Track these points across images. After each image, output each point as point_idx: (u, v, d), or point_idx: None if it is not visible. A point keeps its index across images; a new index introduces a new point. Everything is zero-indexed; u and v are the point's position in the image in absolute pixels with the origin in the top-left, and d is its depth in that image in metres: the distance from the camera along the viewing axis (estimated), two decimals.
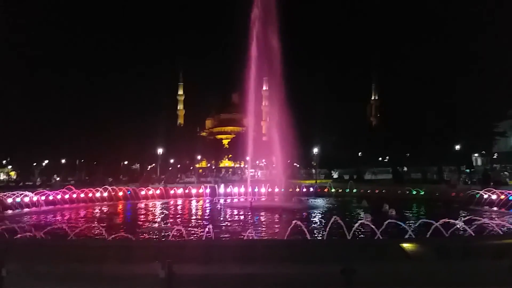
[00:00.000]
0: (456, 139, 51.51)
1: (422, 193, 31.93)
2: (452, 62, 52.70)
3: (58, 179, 55.43)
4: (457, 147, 51.80)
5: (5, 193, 25.51)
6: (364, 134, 65.52)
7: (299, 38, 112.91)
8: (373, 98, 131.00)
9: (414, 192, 32.39)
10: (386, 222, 13.43)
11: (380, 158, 71.45)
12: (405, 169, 64.71)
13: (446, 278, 7.29)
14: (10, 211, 23.16)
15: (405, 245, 9.39)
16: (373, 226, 12.82)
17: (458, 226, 14.04)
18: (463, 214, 20.79)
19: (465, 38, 52.70)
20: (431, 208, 25.59)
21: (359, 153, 65.60)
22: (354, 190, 35.83)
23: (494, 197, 24.70)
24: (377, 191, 34.16)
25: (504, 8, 48.25)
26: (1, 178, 75.14)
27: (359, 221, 15.16)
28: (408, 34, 69.49)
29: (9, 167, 74.74)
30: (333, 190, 36.86)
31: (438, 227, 12.43)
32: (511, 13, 46.92)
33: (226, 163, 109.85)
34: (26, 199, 24.99)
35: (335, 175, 67.44)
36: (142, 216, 24.34)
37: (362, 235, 14.42)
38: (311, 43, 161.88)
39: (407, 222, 16.69)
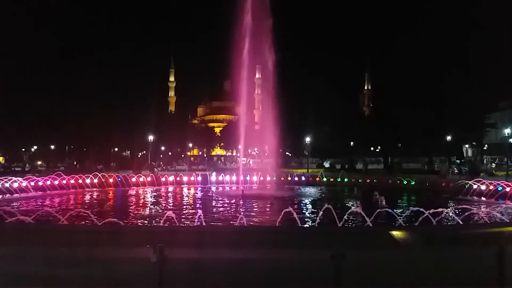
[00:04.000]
0: (447, 130, 51.89)
1: (413, 183, 32.19)
2: (444, 56, 53.10)
3: (44, 167, 54.51)
4: (448, 138, 52.19)
5: None
6: (357, 123, 65.58)
7: (292, 26, 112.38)
8: (366, 87, 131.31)
9: (405, 182, 32.64)
10: (376, 210, 13.57)
11: (372, 148, 71.75)
12: (397, 159, 65.10)
13: (434, 264, 7.41)
14: None
15: (395, 233, 9.51)
16: (363, 214, 12.93)
17: (447, 215, 14.23)
18: (452, 204, 21.08)
19: (458, 35, 53.20)
20: (421, 198, 25.83)
21: (351, 143, 65.75)
22: (346, 180, 36.01)
23: (483, 187, 25.05)
24: (368, 181, 34.37)
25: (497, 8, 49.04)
26: None
27: (350, 209, 15.27)
28: (401, 28, 69.97)
29: None
30: (324, 179, 37.02)
31: (428, 215, 12.58)
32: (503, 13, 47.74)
33: (218, 151, 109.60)
34: (15, 185, 24.73)
35: (327, 165, 67.61)
36: (133, 203, 24.30)
37: (352, 223, 14.55)
38: (305, 32, 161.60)
39: (396, 210, 16.85)
